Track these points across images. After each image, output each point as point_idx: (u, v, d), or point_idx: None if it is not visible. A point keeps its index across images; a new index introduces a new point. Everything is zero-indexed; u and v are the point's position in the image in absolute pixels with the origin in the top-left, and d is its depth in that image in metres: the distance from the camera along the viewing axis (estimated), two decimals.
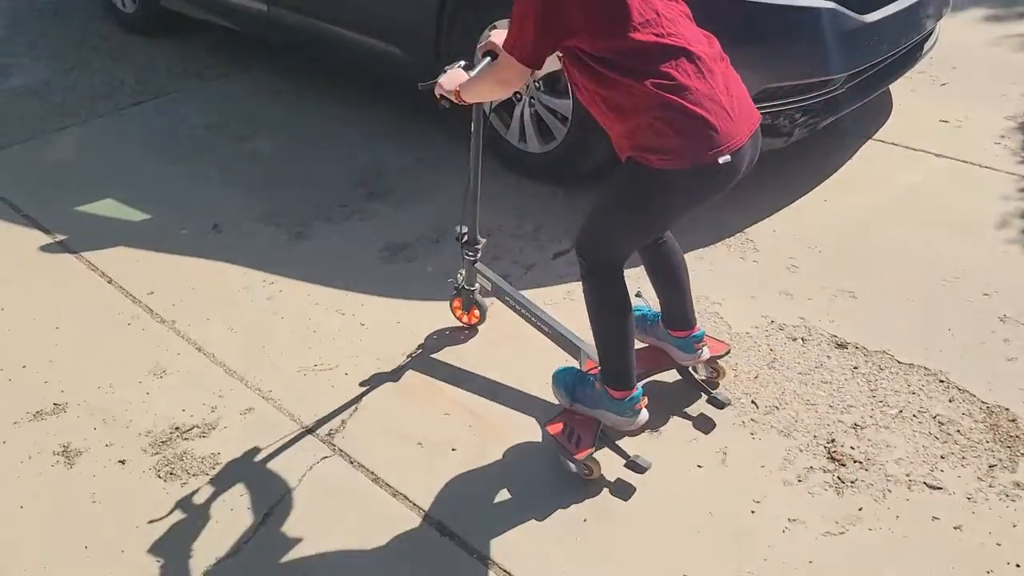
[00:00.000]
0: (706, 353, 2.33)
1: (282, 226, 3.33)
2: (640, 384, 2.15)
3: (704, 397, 2.38)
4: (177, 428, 2.40)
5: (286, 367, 2.62)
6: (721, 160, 1.78)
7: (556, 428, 2.16)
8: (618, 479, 2.16)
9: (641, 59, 1.76)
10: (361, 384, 2.54)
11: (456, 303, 2.70)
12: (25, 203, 3.52)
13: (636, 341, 2.15)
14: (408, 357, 2.64)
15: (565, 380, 2.24)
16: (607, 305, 2.07)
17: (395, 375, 2.57)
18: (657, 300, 2.33)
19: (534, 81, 3.21)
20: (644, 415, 2.15)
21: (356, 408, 2.45)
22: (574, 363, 2.33)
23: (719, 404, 2.35)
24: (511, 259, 3.07)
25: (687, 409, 2.37)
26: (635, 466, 2.11)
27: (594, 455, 2.12)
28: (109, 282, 3.05)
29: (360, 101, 4.27)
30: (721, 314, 2.75)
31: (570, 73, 1.90)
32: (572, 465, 2.15)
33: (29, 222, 3.41)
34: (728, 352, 2.43)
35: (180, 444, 2.35)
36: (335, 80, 4.47)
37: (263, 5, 4.17)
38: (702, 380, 2.42)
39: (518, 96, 3.33)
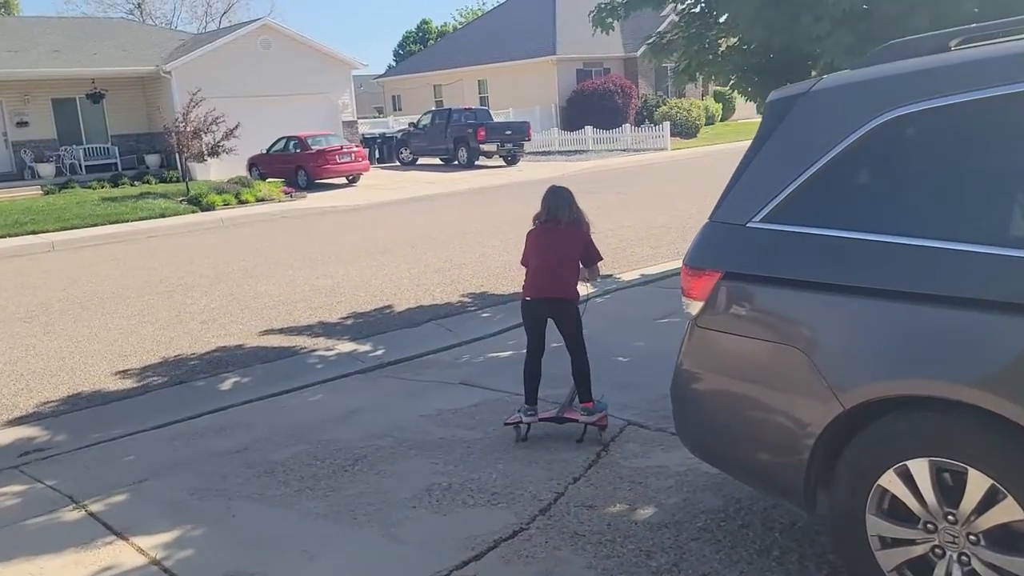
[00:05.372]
0: (593, 418, 4.92)
1: None
2: (547, 417, 5.03)
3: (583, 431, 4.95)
4: None
5: None
6: (528, 298, 4.93)
7: (510, 419, 5.08)
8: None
9: (531, 261, 4.96)
10: None
11: None
12: None
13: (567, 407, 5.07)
14: None
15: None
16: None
17: None
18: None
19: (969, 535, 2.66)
20: (528, 417, 4.97)
21: None
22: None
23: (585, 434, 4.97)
24: None
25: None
26: (518, 424, 5.04)
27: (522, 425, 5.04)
28: None
29: None
30: None
31: None
32: (516, 424, 5.06)
33: None
34: (605, 426, 4.95)
35: None
36: None
37: None
38: (586, 427, 4.99)
39: (938, 551, 2.76)
